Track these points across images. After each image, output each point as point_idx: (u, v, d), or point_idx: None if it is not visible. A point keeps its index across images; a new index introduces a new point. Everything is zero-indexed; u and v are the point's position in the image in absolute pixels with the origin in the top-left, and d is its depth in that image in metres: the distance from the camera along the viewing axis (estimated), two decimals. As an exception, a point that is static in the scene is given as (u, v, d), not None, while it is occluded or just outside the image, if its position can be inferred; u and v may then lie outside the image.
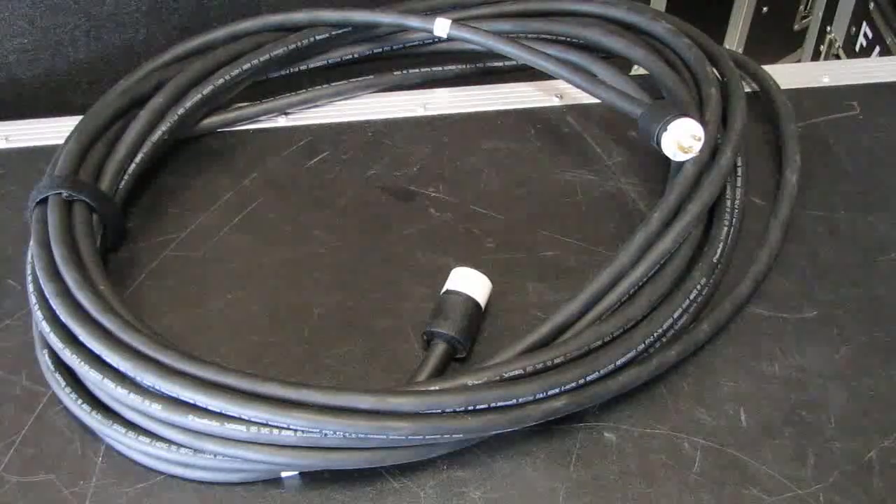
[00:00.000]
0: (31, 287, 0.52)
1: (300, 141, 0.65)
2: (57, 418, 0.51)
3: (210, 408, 0.46)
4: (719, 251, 0.54)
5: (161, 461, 0.48)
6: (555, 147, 0.65)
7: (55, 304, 0.50)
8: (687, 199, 0.54)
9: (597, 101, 0.63)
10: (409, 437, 0.46)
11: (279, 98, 0.67)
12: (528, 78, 0.68)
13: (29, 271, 0.53)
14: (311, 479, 0.48)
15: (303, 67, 0.67)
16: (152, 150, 0.61)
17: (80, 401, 0.49)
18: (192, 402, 0.46)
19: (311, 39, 0.65)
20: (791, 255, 0.58)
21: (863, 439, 0.49)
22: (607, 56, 0.64)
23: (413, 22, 0.64)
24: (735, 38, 1.03)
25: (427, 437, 0.46)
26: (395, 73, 0.69)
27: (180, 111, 0.62)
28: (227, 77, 0.63)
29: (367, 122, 0.67)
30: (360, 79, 0.68)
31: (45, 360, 0.51)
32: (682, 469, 0.49)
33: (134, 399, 0.47)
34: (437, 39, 0.65)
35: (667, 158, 0.56)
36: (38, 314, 0.51)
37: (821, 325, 0.54)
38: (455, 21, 0.63)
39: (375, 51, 0.68)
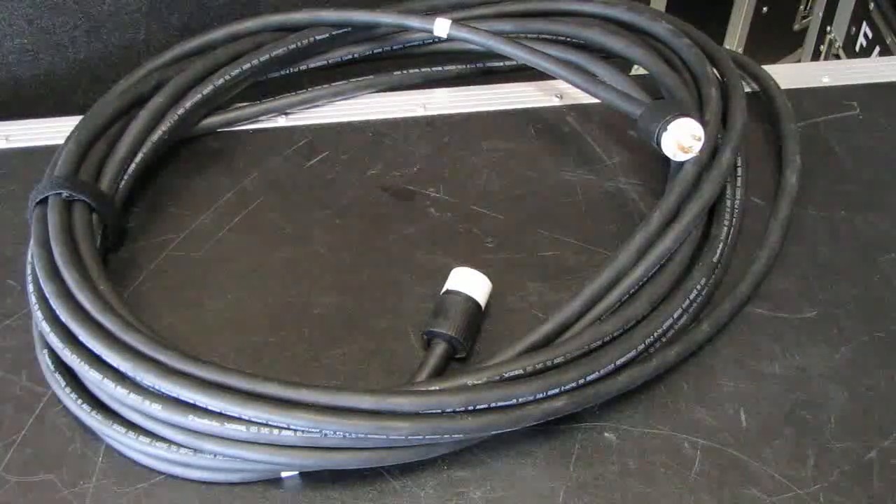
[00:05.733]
0: (31, 287, 0.52)
1: (300, 141, 0.65)
2: (57, 418, 0.51)
3: (210, 408, 0.46)
4: (719, 251, 0.54)
5: (161, 461, 0.48)
6: (555, 147, 0.65)
7: (55, 304, 0.50)
8: (687, 199, 0.54)
9: (597, 101, 0.63)
10: (409, 437, 0.46)
11: (279, 98, 0.67)
12: (528, 78, 0.68)
13: (29, 271, 0.53)
14: (311, 479, 0.48)
15: (303, 67, 0.67)
16: (152, 150, 0.61)
17: (80, 401, 0.49)
18: (192, 402, 0.46)
19: (311, 39, 0.65)
20: (791, 255, 0.58)
21: (863, 439, 0.49)
22: (607, 56, 0.64)
23: (413, 22, 0.64)
24: (735, 38, 1.03)
25: (427, 437, 0.46)
26: (395, 73, 0.69)
27: (180, 111, 0.62)
28: (227, 77, 0.63)
29: (367, 122, 0.67)
30: (360, 79, 0.68)
31: (45, 360, 0.51)
32: (682, 469, 0.49)
33: (134, 399, 0.47)
34: (437, 39, 0.65)
35: (667, 158, 0.56)
36: (38, 314, 0.51)
37: (821, 325, 0.55)
38: (455, 21, 0.63)
39: (375, 51, 0.68)
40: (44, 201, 0.55)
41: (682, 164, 0.55)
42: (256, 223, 0.60)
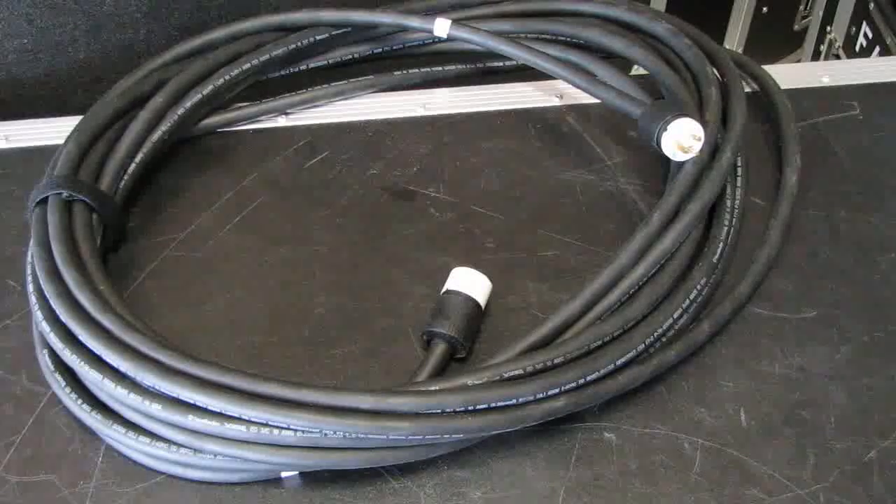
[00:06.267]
0: (31, 287, 0.52)
1: (300, 141, 0.65)
2: (57, 418, 0.51)
3: (210, 408, 0.46)
4: (719, 251, 0.54)
5: (161, 461, 0.48)
6: (555, 147, 0.65)
7: (55, 304, 0.50)
8: (687, 199, 0.54)
9: (597, 101, 0.63)
10: (409, 437, 0.46)
11: (279, 98, 0.67)
12: (528, 78, 0.68)
13: (29, 271, 0.53)
14: (311, 479, 0.48)
15: (303, 67, 0.67)
16: (152, 150, 0.61)
17: (80, 401, 0.49)
18: (192, 402, 0.46)
19: (311, 39, 0.65)
20: (791, 255, 0.58)
21: (863, 439, 0.49)
22: (607, 56, 0.64)
23: (413, 22, 0.64)
24: (735, 38, 1.03)
25: (427, 437, 0.46)
26: (395, 73, 0.69)
27: (180, 111, 0.62)
28: (227, 77, 0.63)
29: (367, 122, 0.67)
30: (360, 79, 0.68)
31: (45, 360, 0.51)
32: (682, 469, 0.49)
33: (134, 399, 0.47)
34: (437, 39, 0.65)
35: (667, 158, 0.56)
36: (38, 314, 0.51)
37: (821, 325, 0.54)
38: (455, 21, 0.63)
39: (375, 51, 0.68)
40: (44, 201, 0.55)
41: (682, 164, 0.55)
42: (256, 223, 0.60)
